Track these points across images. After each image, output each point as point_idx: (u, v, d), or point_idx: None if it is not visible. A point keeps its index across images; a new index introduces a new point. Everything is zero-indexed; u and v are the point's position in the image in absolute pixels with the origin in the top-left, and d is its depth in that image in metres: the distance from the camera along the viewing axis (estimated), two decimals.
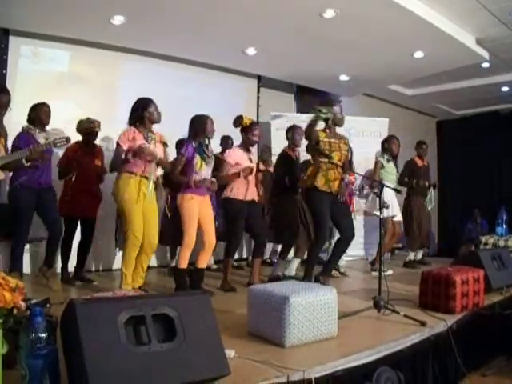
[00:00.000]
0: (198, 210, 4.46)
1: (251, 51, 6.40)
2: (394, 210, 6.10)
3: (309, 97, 8.16)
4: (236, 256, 6.29)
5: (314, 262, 4.84)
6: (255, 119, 6.47)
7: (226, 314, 3.68)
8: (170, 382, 1.98)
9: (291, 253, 5.61)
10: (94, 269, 5.98)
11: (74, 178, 5.01)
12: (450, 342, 3.41)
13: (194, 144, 4.45)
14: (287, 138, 5.53)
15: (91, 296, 2.93)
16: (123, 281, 4.23)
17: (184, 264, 4.49)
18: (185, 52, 6.48)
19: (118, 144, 4.19)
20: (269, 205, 5.81)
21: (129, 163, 4.17)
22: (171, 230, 5.07)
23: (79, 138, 5.18)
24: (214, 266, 6.23)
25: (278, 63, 6.95)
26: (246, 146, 4.92)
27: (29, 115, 4.58)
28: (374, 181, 5.60)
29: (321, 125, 4.74)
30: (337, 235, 5.24)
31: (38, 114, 4.55)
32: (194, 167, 4.40)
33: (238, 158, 4.84)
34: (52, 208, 4.68)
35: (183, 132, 4.68)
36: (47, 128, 4.64)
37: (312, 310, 2.92)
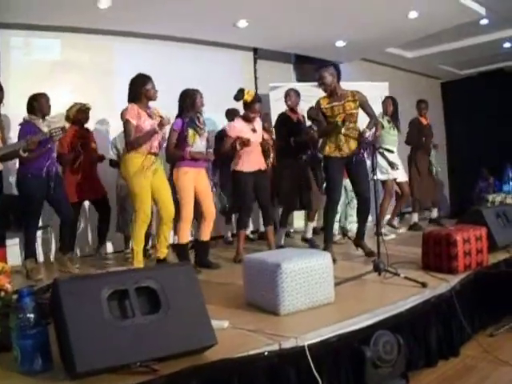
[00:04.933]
0: (195, 183, 4.51)
1: (242, 24, 6.28)
2: (397, 173, 6.03)
3: (308, 65, 8.01)
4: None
5: (328, 228, 4.67)
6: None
7: (228, 285, 3.72)
8: (155, 354, 1.96)
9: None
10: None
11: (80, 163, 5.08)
12: (454, 302, 3.33)
13: (184, 118, 4.47)
14: (285, 102, 5.60)
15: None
16: (135, 258, 4.27)
17: (185, 238, 4.55)
18: (174, 30, 6.37)
19: (127, 120, 4.14)
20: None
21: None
22: None
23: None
24: (230, 239, 6.33)
25: (271, 34, 6.80)
26: (247, 117, 4.92)
27: (30, 105, 4.55)
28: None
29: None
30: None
31: (40, 104, 4.54)
32: (188, 140, 4.43)
33: (238, 130, 4.84)
34: (63, 195, 4.75)
35: None
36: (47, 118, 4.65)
37: (306, 276, 2.89)
